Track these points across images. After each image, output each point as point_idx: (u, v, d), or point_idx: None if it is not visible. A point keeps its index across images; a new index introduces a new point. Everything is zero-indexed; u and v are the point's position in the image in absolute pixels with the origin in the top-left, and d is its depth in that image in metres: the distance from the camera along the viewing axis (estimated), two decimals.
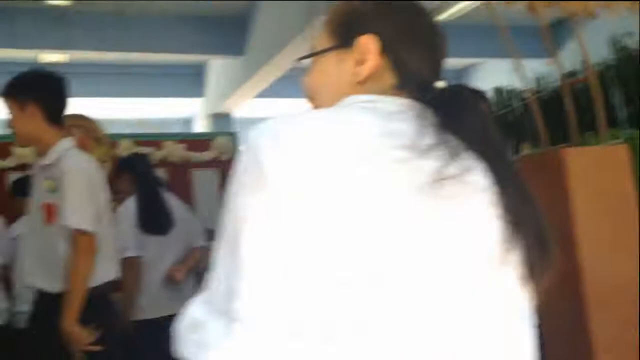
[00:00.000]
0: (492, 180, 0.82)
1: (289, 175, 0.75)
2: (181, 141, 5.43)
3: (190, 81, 8.59)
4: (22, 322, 3.60)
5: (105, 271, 2.53)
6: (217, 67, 8.12)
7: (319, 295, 0.73)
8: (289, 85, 8.01)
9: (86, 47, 5.79)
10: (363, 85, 0.94)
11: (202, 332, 0.77)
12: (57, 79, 2.56)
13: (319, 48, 0.99)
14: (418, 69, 0.92)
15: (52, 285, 2.45)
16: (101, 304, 2.52)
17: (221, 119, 8.34)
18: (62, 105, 2.56)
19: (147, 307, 2.62)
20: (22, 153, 4.74)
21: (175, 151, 5.29)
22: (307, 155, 0.76)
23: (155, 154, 5.21)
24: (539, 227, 0.82)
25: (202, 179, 5.31)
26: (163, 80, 8.20)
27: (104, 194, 2.56)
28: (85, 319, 2.37)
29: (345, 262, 0.73)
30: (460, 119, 0.85)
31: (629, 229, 2.10)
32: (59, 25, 4.98)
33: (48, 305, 2.44)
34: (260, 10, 6.61)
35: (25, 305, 3.63)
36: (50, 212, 2.46)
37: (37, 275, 2.49)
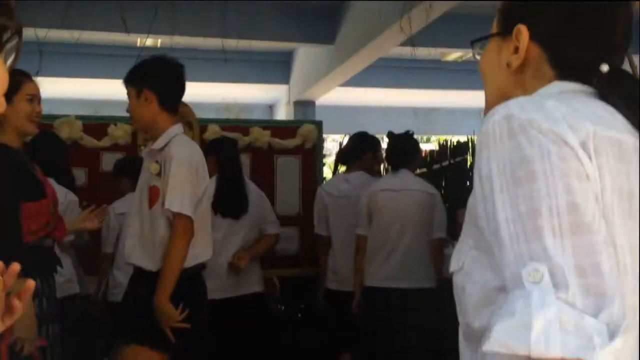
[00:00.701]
0: None
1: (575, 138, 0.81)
2: (267, 127, 5.49)
3: (276, 68, 8.69)
4: (118, 296, 3.78)
5: (200, 253, 2.64)
6: (305, 54, 8.17)
7: None
8: (374, 74, 7.98)
9: (180, 32, 5.94)
10: (519, 74, 0.96)
11: (574, 328, 0.72)
12: (173, 66, 2.69)
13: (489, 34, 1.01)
14: (580, 58, 0.94)
15: (150, 264, 2.57)
16: (194, 284, 2.63)
17: (304, 106, 8.40)
18: (176, 91, 2.69)
19: (210, 288, 2.75)
20: (116, 134, 4.92)
21: (262, 137, 5.36)
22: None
23: (242, 139, 5.30)
24: None
25: (285, 166, 5.36)
26: (250, 66, 8.32)
27: (204, 180, 2.65)
28: (177, 298, 2.49)
29: None
30: (625, 102, 0.89)
31: None
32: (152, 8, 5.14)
33: (144, 282, 2.57)
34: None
35: (123, 280, 3.81)
36: (154, 195, 2.59)
37: (137, 253, 2.63)
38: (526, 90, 0.96)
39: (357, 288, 3.70)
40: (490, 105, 0.99)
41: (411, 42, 5.09)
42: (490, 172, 0.81)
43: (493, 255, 0.82)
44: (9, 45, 0.79)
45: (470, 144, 5.86)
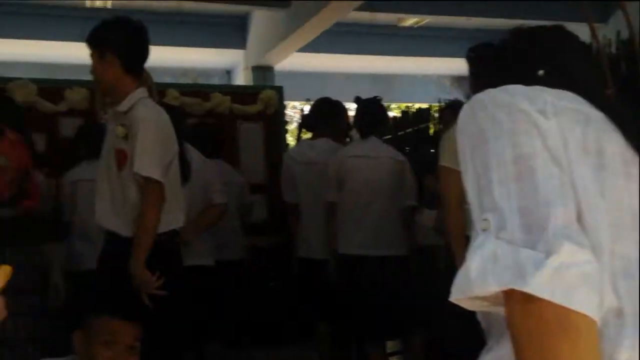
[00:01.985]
0: None
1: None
2: (227, 93, 5.41)
3: (232, 32, 8.50)
4: (78, 266, 3.69)
5: (172, 219, 2.61)
6: (261, 18, 8.02)
7: None
8: (332, 40, 7.90)
9: None
10: None
11: (511, 262, 0.75)
12: (137, 28, 2.61)
13: None
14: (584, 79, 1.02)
15: (124, 230, 2.53)
16: (168, 250, 2.60)
17: (263, 71, 8.27)
18: (140, 54, 2.62)
19: None
20: (73, 98, 4.75)
21: (223, 103, 5.28)
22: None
23: (203, 105, 5.21)
24: None
25: (247, 133, 5.30)
26: (205, 30, 8.13)
27: (173, 146, 2.61)
28: (151, 264, 2.46)
29: None
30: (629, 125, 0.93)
31: None
32: None
33: (118, 247, 2.53)
34: None
35: (82, 249, 3.71)
36: (122, 158, 2.53)
37: (109, 218, 2.58)
38: None
39: (331, 255, 3.69)
40: None
41: (370, 5, 5.03)
42: (462, 150, 0.92)
43: None
44: None
45: (431, 111, 5.89)
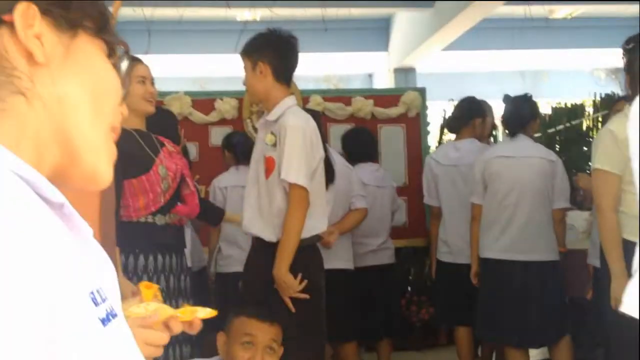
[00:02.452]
0: None
1: None
2: (369, 96, 5.41)
3: (374, 35, 8.52)
4: (226, 268, 3.87)
5: (316, 224, 2.66)
6: (404, 19, 7.96)
7: None
8: (476, 37, 7.66)
9: (279, 4, 5.92)
10: None
11: None
12: (287, 38, 2.72)
13: None
14: None
15: (270, 235, 2.61)
16: (311, 255, 2.65)
17: (405, 73, 8.21)
18: (289, 64, 2.71)
19: None
20: (222, 108, 4.97)
21: (364, 107, 5.29)
22: None
23: (345, 110, 5.25)
24: None
25: (389, 135, 5.27)
26: (348, 34, 8.20)
27: (319, 152, 2.66)
28: (296, 268, 2.51)
29: None
30: None
31: None
32: None
33: (264, 252, 2.61)
34: None
35: (230, 251, 3.88)
36: (270, 165, 2.62)
37: (256, 223, 2.67)
38: None
39: (474, 259, 3.57)
40: None
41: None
42: None
43: None
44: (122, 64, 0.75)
45: (585, 107, 5.54)
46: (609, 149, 2.53)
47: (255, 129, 4.92)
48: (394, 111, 5.33)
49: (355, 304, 3.74)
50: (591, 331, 3.54)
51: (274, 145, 2.62)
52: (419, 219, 4.85)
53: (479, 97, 4.23)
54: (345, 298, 3.58)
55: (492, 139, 4.73)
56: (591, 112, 5.38)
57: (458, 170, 3.87)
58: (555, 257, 3.41)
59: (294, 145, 2.56)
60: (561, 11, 7.89)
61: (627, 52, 2.60)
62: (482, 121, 4.06)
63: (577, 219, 3.59)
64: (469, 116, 4.01)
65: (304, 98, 5.05)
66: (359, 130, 4.47)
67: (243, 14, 7.06)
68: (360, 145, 4.18)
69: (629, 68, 2.59)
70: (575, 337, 3.49)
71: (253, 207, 2.72)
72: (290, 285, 2.52)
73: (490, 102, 4.33)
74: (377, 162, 4.25)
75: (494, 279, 3.43)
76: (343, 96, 5.45)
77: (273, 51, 2.67)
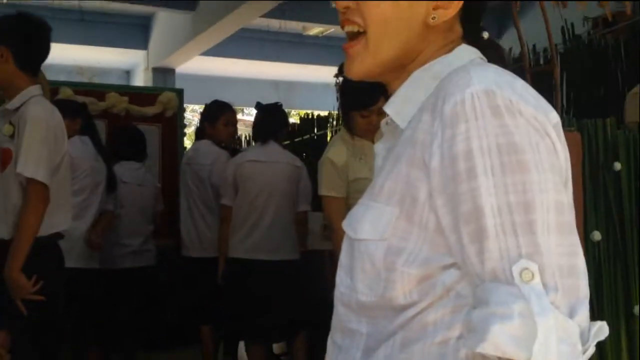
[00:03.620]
0: None
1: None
2: (124, 93, 5.29)
3: (134, 32, 8.32)
4: None
5: (57, 222, 2.51)
6: (165, 19, 7.90)
7: None
8: (236, 45, 7.89)
9: None
10: (433, 32, 0.87)
11: (568, 339, 0.70)
12: (37, 25, 2.53)
13: None
14: (475, 20, 0.91)
15: (4, 232, 2.42)
16: (49, 254, 2.50)
17: (164, 73, 8.15)
18: (38, 52, 2.53)
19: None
20: None
21: (119, 103, 5.16)
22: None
23: (97, 105, 5.06)
24: None
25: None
26: (105, 28, 7.91)
27: (63, 145, 2.52)
28: (30, 268, 2.35)
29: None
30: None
31: (577, 218, 2.21)
32: None
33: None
34: None
35: None
36: (6, 158, 2.42)
37: None
38: (429, 44, 0.89)
39: (221, 259, 3.69)
40: (387, 56, 0.89)
41: (279, 12, 5.09)
42: (470, 150, 0.73)
43: (440, 233, 0.77)
44: None
45: (330, 119, 5.99)
46: (331, 176, 2.83)
47: None
48: (150, 110, 5.27)
49: (106, 307, 3.66)
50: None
51: (12, 136, 2.42)
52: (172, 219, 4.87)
53: (235, 103, 4.38)
54: (93, 300, 3.51)
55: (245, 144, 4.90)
56: (334, 124, 5.84)
57: (191, 169, 4.02)
58: (296, 257, 3.65)
59: (34, 136, 2.37)
60: (314, 29, 8.47)
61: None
62: (224, 124, 4.16)
63: (316, 221, 3.87)
64: (213, 118, 4.11)
65: (53, 89, 4.75)
66: (124, 128, 4.39)
67: None
68: (122, 143, 4.11)
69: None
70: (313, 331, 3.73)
71: None
72: (22, 286, 2.33)
73: (245, 108, 4.50)
74: (140, 161, 4.16)
75: (240, 278, 3.57)
76: (96, 90, 5.26)
77: (18, 36, 2.47)
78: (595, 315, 2.23)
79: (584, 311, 0.71)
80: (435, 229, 0.78)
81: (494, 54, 0.91)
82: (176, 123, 5.37)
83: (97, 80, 8.18)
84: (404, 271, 0.79)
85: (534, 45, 4.70)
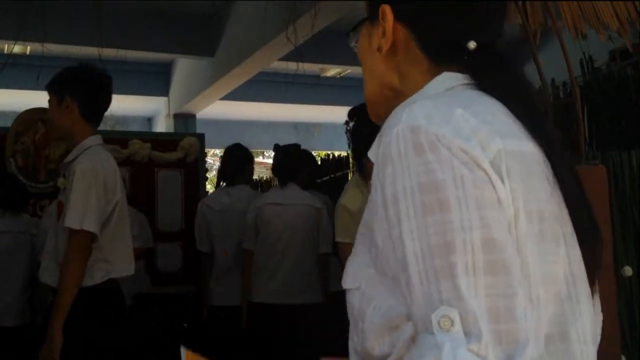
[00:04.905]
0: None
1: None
2: (147, 140, 5.34)
3: (155, 79, 8.47)
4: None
5: (119, 269, 2.51)
6: (184, 66, 8.03)
7: None
8: (255, 89, 7.98)
9: (51, 40, 5.65)
10: (392, 59, 0.87)
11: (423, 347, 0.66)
12: (99, 75, 2.57)
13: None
14: (446, 35, 0.86)
15: (55, 283, 2.42)
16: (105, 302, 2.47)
17: (185, 119, 8.25)
18: (99, 102, 2.57)
19: None
20: None
21: (142, 150, 5.21)
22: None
23: (121, 152, 5.12)
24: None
25: (166, 180, 5.24)
26: (126, 77, 8.04)
27: (114, 195, 2.49)
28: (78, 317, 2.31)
29: None
30: (499, 81, 0.82)
31: (606, 252, 2.15)
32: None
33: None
34: (234, 10, 6.58)
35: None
36: (60, 210, 2.45)
37: (47, 272, 2.47)
38: (402, 75, 0.88)
39: (244, 304, 3.64)
40: (370, 93, 0.92)
41: (298, 53, 5.13)
42: (395, 193, 0.71)
43: (397, 281, 0.72)
44: None
45: (350, 159, 5.98)
46: (345, 222, 2.81)
47: (19, 169, 4.61)
48: (172, 156, 5.31)
49: None
50: None
51: (65, 188, 2.45)
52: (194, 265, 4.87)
53: (254, 146, 4.39)
54: None
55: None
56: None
57: (231, 215, 3.93)
58: (320, 299, 3.60)
59: (78, 188, 2.37)
60: (331, 70, 8.54)
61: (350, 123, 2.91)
62: (252, 168, 4.19)
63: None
64: (241, 163, 4.10)
65: None
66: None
67: (11, 46, 6.63)
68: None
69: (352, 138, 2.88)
70: None
71: (48, 253, 2.53)
72: (54, 348, 2.25)
73: (265, 151, 4.50)
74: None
75: (263, 322, 3.52)
76: (119, 138, 5.32)
77: (83, 87, 2.51)
78: (628, 349, 2.15)
79: (524, 356, 0.65)
80: (394, 276, 0.73)
81: (495, 59, 0.84)
82: (197, 167, 5.41)
83: (119, 128, 8.30)
84: (373, 321, 0.75)
85: (552, 79, 4.68)
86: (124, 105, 8.68)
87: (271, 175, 4.91)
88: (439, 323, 0.66)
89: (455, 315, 0.65)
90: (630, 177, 2.34)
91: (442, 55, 0.85)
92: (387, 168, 0.72)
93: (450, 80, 0.83)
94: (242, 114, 9.23)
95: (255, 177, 5.33)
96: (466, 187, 0.68)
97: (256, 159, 5.27)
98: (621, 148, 2.37)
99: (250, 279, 3.61)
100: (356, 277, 0.79)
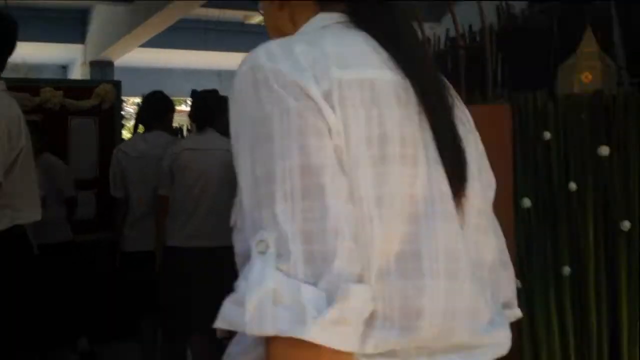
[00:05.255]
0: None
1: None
2: (59, 87, 5.16)
3: (71, 26, 8.12)
4: None
5: (26, 215, 2.49)
6: (102, 13, 7.73)
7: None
8: (176, 35, 7.76)
9: None
10: (286, 10, 0.93)
11: (291, 303, 0.67)
12: (1, 20, 2.47)
13: None
14: None
15: None
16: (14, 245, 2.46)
17: (102, 67, 7.98)
18: (2, 48, 2.47)
19: None
20: None
21: (53, 98, 5.03)
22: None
23: (32, 100, 4.93)
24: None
25: (79, 128, 5.10)
26: (41, 23, 7.70)
27: (18, 141, 2.43)
28: None
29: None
30: (373, 18, 0.86)
31: (506, 185, 2.23)
32: None
33: None
34: None
35: None
36: None
37: None
38: (294, 22, 0.93)
39: (158, 249, 3.61)
40: (270, 37, 0.95)
41: (220, 1, 5.02)
42: (237, 130, 0.76)
43: None
44: None
45: None
46: None
47: None
48: (86, 103, 5.15)
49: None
50: None
51: None
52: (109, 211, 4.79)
53: (175, 94, 4.30)
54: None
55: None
56: None
57: (147, 161, 3.87)
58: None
59: None
60: (255, 18, 8.38)
61: None
62: (172, 116, 4.13)
63: None
64: (161, 111, 4.03)
65: None
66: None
67: None
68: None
69: None
70: None
71: None
72: None
73: (187, 99, 4.43)
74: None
75: (176, 265, 3.50)
76: (31, 86, 5.10)
77: None
78: (525, 277, 2.26)
79: (330, 273, 0.68)
80: None
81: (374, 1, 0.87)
82: (114, 114, 5.26)
83: (32, 76, 7.96)
84: (237, 253, 0.82)
85: (470, 26, 4.74)
86: (37, 53, 8.31)
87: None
88: (256, 246, 0.70)
89: (272, 239, 0.69)
90: (534, 117, 2.42)
91: (333, 3, 0.89)
92: (232, 107, 0.77)
93: (324, 19, 0.87)
94: (162, 62, 8.99)
95: (175, 124, 5.23)
96: (290, 118, 0.72)
97: (177, 107, 5.17)
98: (531, 90, 2.44)
99: (165, 224, 3.58)
100: (235, 214, 0.82)
